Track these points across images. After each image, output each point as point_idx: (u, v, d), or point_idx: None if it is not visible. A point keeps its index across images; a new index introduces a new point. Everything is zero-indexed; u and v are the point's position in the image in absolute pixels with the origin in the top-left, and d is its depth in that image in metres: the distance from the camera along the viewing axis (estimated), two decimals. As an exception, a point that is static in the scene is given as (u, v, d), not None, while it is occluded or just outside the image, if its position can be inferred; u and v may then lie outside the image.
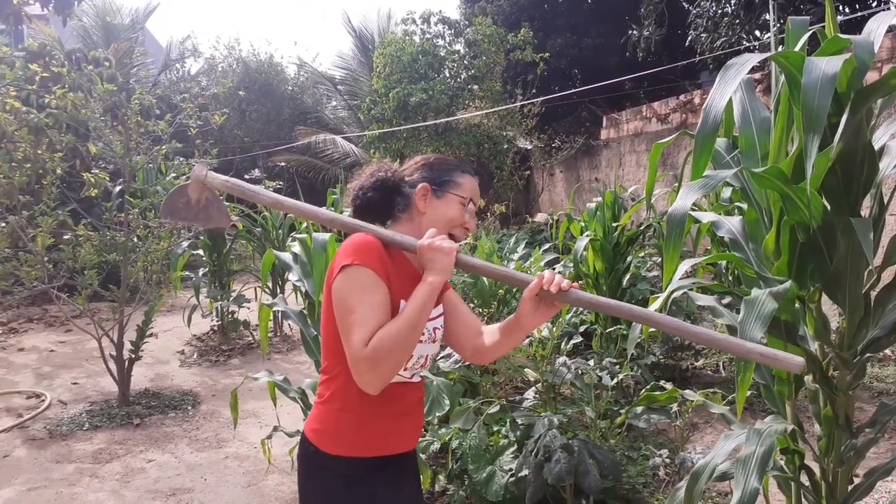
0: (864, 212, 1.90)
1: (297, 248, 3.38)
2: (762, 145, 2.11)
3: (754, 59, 1.47)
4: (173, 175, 5.88)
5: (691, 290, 2.15)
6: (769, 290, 1.74)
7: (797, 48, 1.91)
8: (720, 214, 2.49)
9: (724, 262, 4.83)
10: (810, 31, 1.94)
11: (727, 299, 2.83)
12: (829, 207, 1.90)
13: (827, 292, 1.99)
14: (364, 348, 1.49)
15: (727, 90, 1.44)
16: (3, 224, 5.05)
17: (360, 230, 1.69)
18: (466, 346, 1.82)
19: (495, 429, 3.36)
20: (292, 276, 3.41)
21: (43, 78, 6.43)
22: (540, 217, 13.68)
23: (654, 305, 2.00)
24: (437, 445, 3.23)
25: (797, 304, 2.01)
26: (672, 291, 1.96)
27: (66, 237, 5.13)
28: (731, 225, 2.30)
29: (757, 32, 8.86)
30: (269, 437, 3.45)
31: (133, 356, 5.11)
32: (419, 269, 1.69)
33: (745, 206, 2.31)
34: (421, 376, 1.81)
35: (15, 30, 8.72)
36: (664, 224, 5.65)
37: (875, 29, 1.78)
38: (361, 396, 1.61)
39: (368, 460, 1.67)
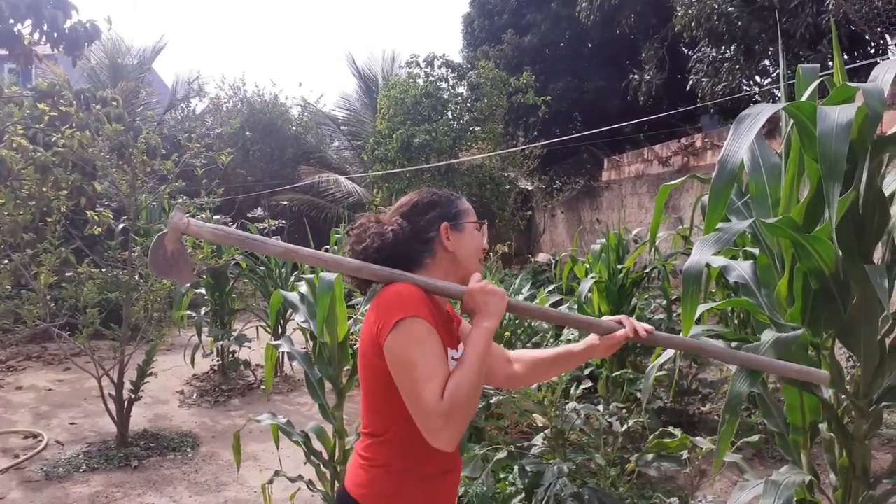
0: (876, 259, 1.89)
1: (304, 288, 3.36)
2: (773, 191, 2.11)
3: (768, 110, 1.47)
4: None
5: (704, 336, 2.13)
6: (777, 335, 1.73)
7: (807, 95, 1.93)
8: (728, 258, 2.48)
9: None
10: (819, 80, 1.95)
11: (734, 344, 2.81)
12: (840, 254, 1.89)
13: (841, 339, 1.97)
14: (440, 402, 1.40)
15: (743, 143, 1.43)
16: (7, 262, 5.04)
17: (397, 279, 1.58)
18: (499, 375, 1.85)
19: (502, 476, 3.30)
20: (298, 317, 3.39)
21: (51, 117, 6.49)
22: (542, 257, 13.68)
23: (664, 355, 1.98)
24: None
25: (811, 352, 1.99)
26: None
27: (68, 274, 5.12)
28: (742, 270, 2.29)
29: (757, 77, 8.98)
30: (270, 481, 3.38)
31: (133, 396, 5.05)
32: (446, 314, 1.70)
33: (754, 250, 2.30)
34: None
35: (24, 69, 8.82)
36: (668, 266, 5.65)
37: (882, 76, 1.79)
38: (421, 457, 1.55)
39: None
